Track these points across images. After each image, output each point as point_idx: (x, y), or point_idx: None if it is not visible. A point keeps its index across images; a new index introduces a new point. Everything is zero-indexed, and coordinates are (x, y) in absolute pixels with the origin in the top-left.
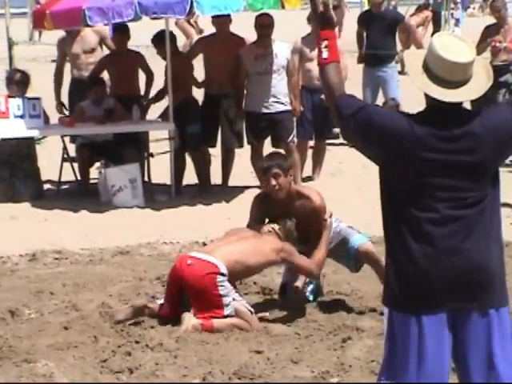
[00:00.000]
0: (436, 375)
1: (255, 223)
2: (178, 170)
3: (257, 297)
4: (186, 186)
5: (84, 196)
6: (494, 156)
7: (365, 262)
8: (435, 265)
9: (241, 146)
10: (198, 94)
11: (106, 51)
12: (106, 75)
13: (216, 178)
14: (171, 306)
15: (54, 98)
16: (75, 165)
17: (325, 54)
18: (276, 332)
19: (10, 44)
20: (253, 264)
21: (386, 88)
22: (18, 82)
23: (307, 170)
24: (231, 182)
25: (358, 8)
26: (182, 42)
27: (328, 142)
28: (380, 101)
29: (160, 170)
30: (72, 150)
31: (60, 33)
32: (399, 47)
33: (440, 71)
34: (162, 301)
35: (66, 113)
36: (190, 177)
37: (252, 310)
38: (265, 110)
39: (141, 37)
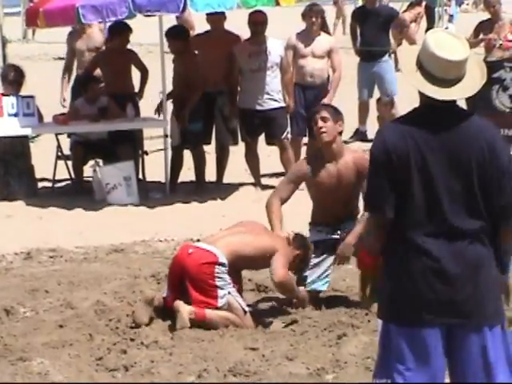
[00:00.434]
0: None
1: (288, 183)
2: (176, 167)
3: (252, 294)
4: (181, 184)
5: (78, 194)
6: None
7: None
8: (430, 280)
9: (235, 143)
10: None
11: None
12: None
13: (210, 175)
14: (173, 296)
15: (60, 93)
16: (69, 163)
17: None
18: (271, 329)
19: (4, 42)
20: (254, 257)
21: (381, 83)
22: (13, 81)
23: None
24: (225, 180)
25: (352, 4)
26: None
27: None
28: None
29: (154, 168)
30: (66, 148)
31: (52, 31)
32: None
33: (434, 69)
34: (165, 294)
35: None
36: (185, 174)
37: (247, 309)
38: (258, 107)
39: (133, 35)
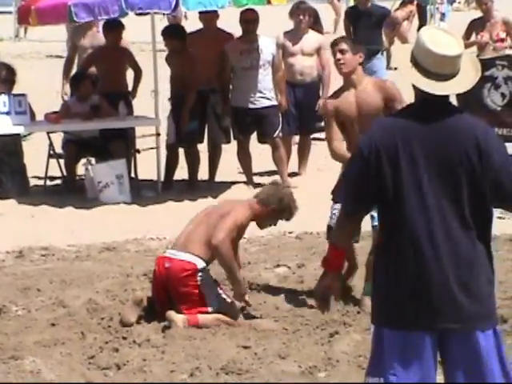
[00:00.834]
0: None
1: (331, 127)
2: (171, 165)
3: None
4: (173, 182)
5: (70, 192)
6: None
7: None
8: (425, 284)
9: (228, 141)
10: None
11: None
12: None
13: (202, 173)
14: (161, 306)
15: (61, 88)
16: (61, 161)
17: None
18: (263, 327)
19: None
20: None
21: None
22: (5, 79)
23: (293, 165)
24: (218, 178)
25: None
26: None
27: (313, 136)
28: None
29: (146, 166)
30: (58, 146)
31: (44, 29)
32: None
33: (429, 64)
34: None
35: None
36: (177, 173)
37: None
38: (251, 106)
39: (125, 33)
